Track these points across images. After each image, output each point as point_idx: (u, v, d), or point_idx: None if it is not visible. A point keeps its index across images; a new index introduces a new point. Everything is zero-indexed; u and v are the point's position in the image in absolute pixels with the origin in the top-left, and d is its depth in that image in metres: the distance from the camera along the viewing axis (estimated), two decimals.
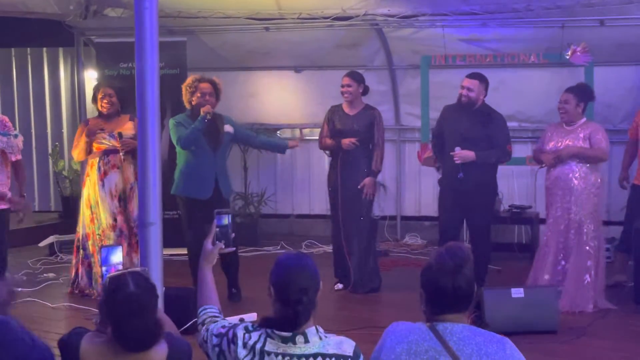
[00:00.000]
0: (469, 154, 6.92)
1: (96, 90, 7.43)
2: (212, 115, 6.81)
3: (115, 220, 7.21)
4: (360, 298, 7.24)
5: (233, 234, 3.52)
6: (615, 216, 8.80)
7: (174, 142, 6.93)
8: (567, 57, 7.77)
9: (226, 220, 3.50)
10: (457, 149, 6.94)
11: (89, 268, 7.28)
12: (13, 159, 6.67)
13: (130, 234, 7.20)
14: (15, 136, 6.75)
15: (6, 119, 6.75)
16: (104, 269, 3.28)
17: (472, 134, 6.98)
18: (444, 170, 7.24)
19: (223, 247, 3.46)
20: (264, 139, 7.79)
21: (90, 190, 7.30)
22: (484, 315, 5.86)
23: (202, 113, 6.76)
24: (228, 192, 7.16)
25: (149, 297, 2.90)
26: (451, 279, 2.91)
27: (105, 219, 7.21)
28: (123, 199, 7.24)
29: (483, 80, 7.06)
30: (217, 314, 3.26)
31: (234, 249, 3.60)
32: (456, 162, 6.92)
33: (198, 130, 6.77)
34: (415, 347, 2.93)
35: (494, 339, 2.95)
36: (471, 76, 7.08)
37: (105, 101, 7.26)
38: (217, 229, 3.46)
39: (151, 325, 2.86)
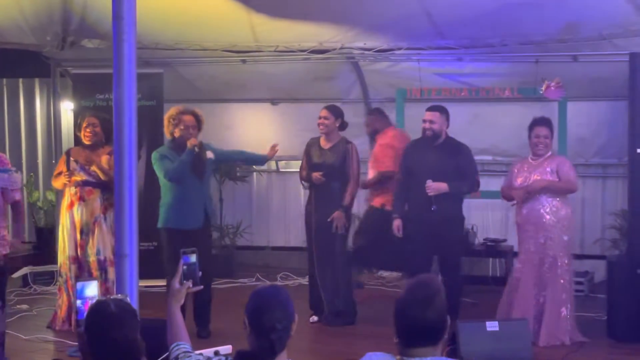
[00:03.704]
0: (442, 186, 6.94)
1: (81, 119, 7.26)
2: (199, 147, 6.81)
3: (76, 252, 7.11)
4: (336, 331, 7.22)
5: (200, 273, 3.53)
6: (589, 250, 8.88)
7: (161, 175, 6.85)
8: (541, 92, 7.85)
9: (193, 258, 3.51)
10: (429, 182, 6.95)
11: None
12: (17, 197, 6.35)
13: (91, 268, 7.07)
14: (15, 171, 6.41)
15: (3, 155, 6.41)
16: (79, 302, 3.27)
17: (441, 167, 6.99)
18: (413, 204, 7.21)
19: (191, 286, 3.47)
20: (248, 154, 7.77)
21: (61, 219, 7.24)
22: (459, 349, 5.86)
23: (189, 146, 6.73)
24: (214, 218, 7.14)
25: (128, 317, 2.94)
26: (421, 311, 2.89)
27: (68, 249, 7.13)
28: (86, 232, 7.12)
29: (444, 111, 7.11)
30: (190, 350, 3.27)
31: (202, 287, 3.59)
32: (429, 194, 6.94)
33: (186, 163, 6.76)
34: None
35: None
36: (431, 109, 7.14)
37: (88, 130, 7.10)
38: (185, 267, 3.47)
39: (131, 341, 2.89)
